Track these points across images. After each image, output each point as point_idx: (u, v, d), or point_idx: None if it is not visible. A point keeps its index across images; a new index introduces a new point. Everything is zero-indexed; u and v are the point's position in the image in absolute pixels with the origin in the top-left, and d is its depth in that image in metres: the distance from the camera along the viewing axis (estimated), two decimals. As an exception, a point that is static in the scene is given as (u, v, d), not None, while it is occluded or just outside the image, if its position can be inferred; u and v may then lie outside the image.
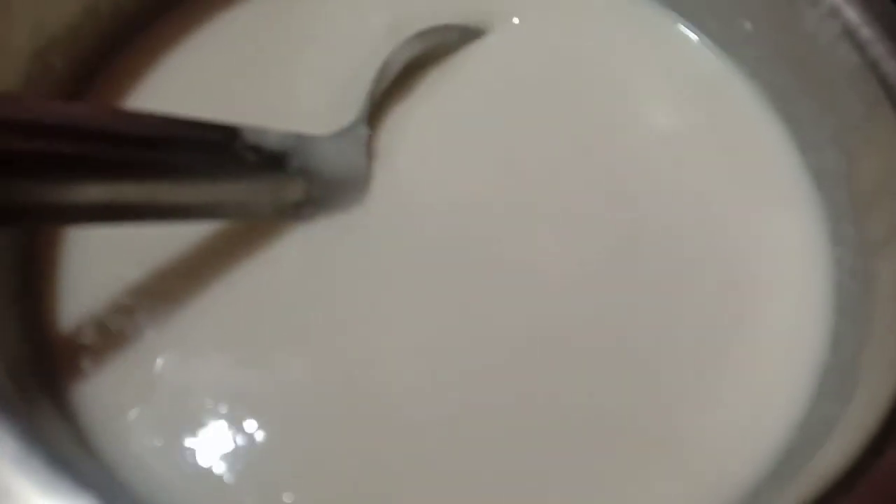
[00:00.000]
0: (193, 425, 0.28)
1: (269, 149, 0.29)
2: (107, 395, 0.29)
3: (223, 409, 0.29)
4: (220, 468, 0.28)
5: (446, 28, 0.36)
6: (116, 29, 0.34)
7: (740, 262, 0.33)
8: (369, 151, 0.33)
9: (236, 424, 0.28)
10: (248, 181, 0.29)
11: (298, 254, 0.31)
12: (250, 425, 0.28)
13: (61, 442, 0.25)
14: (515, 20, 0.37)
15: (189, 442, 0.28)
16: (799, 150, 0.35)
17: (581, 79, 0.36)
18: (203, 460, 0.28)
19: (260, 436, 0.28)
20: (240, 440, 0.28)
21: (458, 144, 0.34)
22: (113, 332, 0.29)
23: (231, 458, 0.28)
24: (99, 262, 0.31)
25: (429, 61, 0.35)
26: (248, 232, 0.31)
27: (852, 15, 0.31)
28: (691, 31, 0.37)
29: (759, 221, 0.34)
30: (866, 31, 0.31)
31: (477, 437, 0.29)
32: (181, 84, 0.34)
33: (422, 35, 0.35)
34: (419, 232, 0.32)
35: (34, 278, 0.30)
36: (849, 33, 0.32)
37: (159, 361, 0.29)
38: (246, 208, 0.30)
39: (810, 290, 0.32)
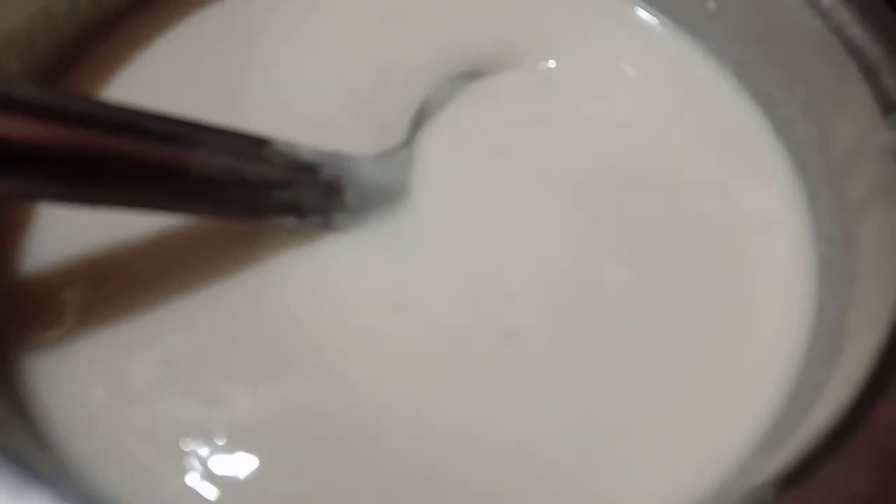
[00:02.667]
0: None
1: (301, 159, 0.30)
2: (63, 382, 0.28)
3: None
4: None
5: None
6: (75, 31, 0.34)
7: (722, 241, 0.33)
8: (409, 172, 0.33)
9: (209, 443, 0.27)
10: (275, 186, 0.30)
11: (308, 265, 0.31)
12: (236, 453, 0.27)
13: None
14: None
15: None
16: (772, 125, 0.35)
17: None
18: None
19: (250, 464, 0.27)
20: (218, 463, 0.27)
21: (486, 162, 0.34)
22: (78, 319, 0.29)
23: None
24: (73, 242, 0.30)
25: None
26: (251, 237, 0.31)
27: (814, -18, 0.31)
28: (656, 16, 0.38)
29: (738, 199, 0.34)
30: (829, -1, 0.32)
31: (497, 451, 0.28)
32: (146, 87, 0.34)
33: (466, 76, 0.35)
34: (451, 249, 0.32)
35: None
36: (813, 1, 0.32)
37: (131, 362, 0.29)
38: (274, 211, 0.30)
39: (793, 261, 0.32)
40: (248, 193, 0.29)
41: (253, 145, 0.29)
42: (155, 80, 0.35)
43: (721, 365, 0.30)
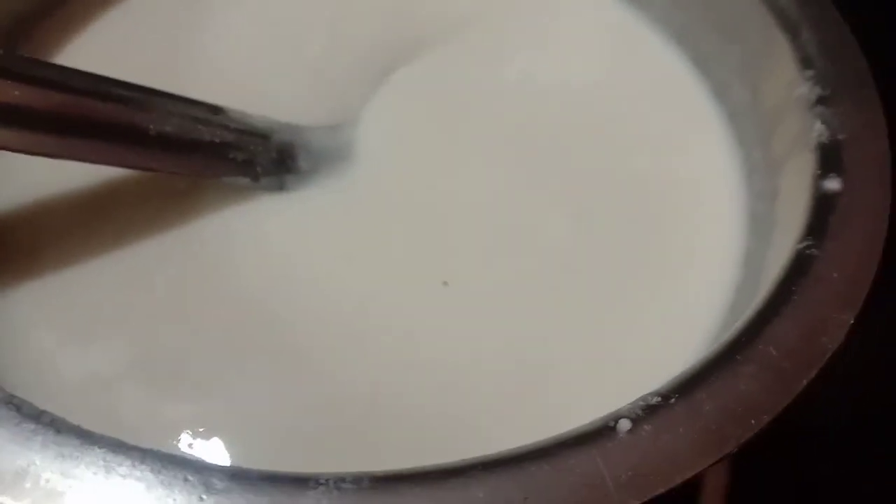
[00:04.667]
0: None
1: (253, 125, 0.32)
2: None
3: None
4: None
5: None
6: (24, 4, 0.36)
7: (659, 197, 0.34)
8: (358, 136, 0.35)
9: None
10: (230, 148, 0.31)
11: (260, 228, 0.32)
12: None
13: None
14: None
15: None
16: (710, 88, 0.37)
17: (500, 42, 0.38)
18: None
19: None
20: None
21: (433, 120, 0.35)
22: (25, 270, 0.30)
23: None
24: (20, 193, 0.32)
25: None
26: (196, 195, 0.32)
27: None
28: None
29: (677, 159, 0.35)
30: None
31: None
32: (93, 59, 0.35)
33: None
34: (400, 211, 0.33)
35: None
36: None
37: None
38: (230, 171, 0.32)
39: (725, 216, 0.33)
40: (205, 153, 0.31)
41: (207, 111, 0.31)
42: (102, 51, 0.36)
43: (652, 313, 0.31)
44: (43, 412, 0.20)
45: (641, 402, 0.21)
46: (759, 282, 0.29)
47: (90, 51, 0.36)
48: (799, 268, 0.25)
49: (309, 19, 0.37)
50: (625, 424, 0.21)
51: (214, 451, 0.27)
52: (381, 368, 0.29)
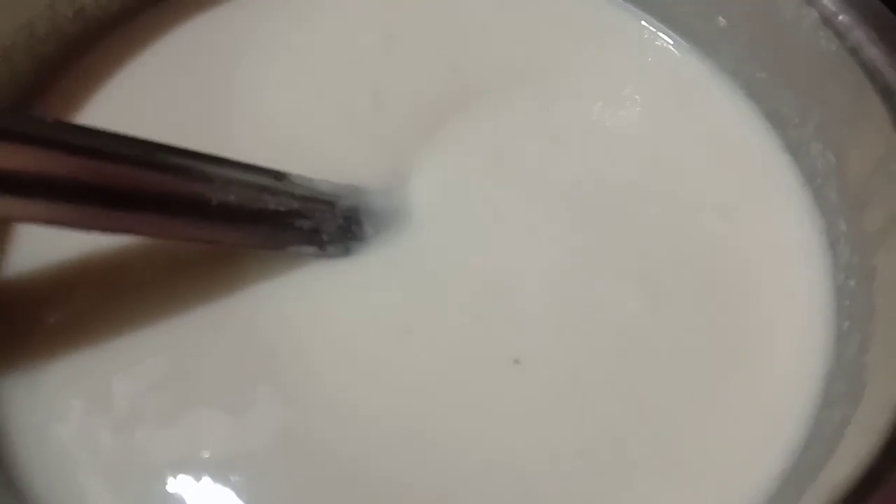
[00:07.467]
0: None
1: (318, 191, 0.30)
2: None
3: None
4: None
5: None
6: (55, 49, 0.33)
7: (734, 266, 0.31)
8: (413, 196, 0.33)
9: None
10: (296, 216, 0.30)
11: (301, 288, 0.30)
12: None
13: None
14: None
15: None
16: (785, 146, 0.34)
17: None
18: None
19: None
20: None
21: (487, 180, 0.33)
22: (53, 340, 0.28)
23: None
24: (50, 259, 0.30)
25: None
26: (245, 259, 0.30)
27: (829, 1, 0.30)
28: (664, 32, 0.36)
29: (751, 223, 0.33)
30: (844, 18, 0.30)
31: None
32: (127, 107, 0.33)
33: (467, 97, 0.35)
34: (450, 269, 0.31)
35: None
36: (827, 20, 0.31)
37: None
38: (296, 240, 0.30)
39: (808, 293, 0.31)
40: (270, 223, 0.29)
41: (271, 177, 0.29)
42: (137, 98, 0.33)
43: (732, 400, 0.29)
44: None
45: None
46: (862, 381, 0.26)
47: (119, 99, 0.33)
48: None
49: (352, 72, 0.34)
50: None
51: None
52: (442, 460, 0.27)
